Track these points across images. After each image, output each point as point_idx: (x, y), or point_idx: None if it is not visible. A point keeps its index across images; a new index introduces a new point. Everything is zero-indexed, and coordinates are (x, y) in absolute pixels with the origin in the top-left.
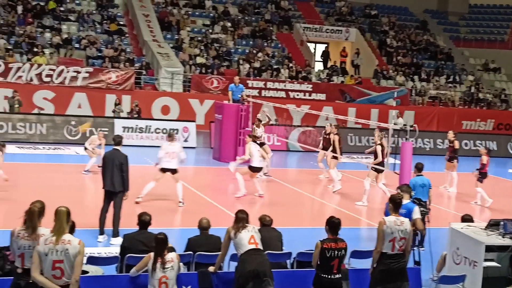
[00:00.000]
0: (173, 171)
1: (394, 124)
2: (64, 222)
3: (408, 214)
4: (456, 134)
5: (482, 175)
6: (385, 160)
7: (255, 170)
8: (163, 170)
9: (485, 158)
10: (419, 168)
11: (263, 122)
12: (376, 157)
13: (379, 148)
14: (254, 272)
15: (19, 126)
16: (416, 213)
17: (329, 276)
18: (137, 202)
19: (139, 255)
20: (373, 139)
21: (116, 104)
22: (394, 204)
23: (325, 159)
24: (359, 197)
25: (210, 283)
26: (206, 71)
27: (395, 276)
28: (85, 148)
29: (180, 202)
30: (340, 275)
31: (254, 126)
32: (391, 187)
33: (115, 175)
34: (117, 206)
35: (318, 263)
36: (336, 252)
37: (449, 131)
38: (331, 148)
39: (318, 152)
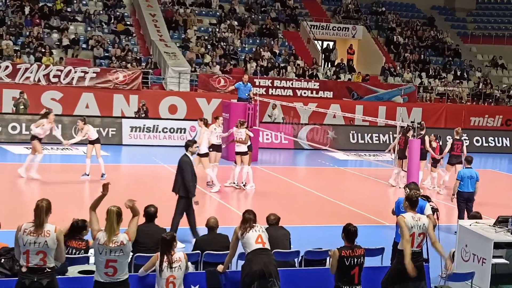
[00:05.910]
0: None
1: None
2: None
3: (420, 211)
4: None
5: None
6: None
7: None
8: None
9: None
10: (468, 160)
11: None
12: None
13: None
14: (260, 272)
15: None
16: (428, 210)
17: None
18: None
19: (144, 250)
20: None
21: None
22: (411, 202)
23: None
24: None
25: (218, 282)
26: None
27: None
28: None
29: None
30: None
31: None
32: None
33: (177, 179)
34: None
35: (338, 274)
36: (355, 260)
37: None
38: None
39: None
